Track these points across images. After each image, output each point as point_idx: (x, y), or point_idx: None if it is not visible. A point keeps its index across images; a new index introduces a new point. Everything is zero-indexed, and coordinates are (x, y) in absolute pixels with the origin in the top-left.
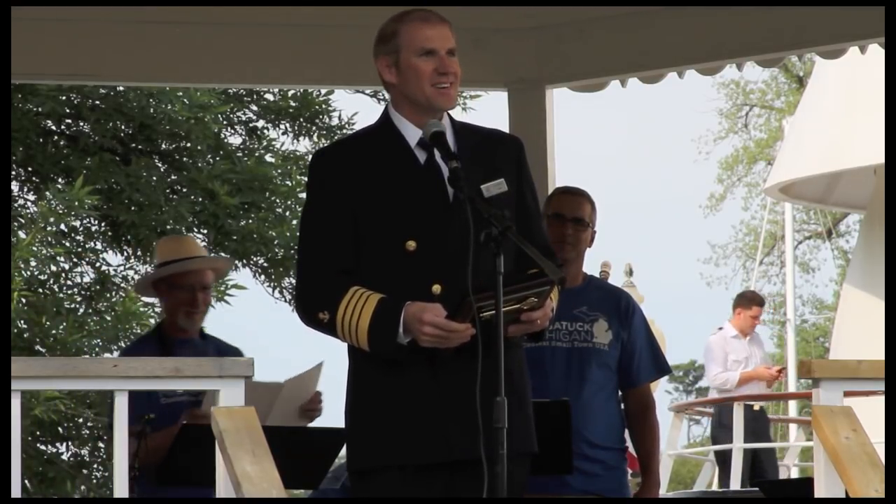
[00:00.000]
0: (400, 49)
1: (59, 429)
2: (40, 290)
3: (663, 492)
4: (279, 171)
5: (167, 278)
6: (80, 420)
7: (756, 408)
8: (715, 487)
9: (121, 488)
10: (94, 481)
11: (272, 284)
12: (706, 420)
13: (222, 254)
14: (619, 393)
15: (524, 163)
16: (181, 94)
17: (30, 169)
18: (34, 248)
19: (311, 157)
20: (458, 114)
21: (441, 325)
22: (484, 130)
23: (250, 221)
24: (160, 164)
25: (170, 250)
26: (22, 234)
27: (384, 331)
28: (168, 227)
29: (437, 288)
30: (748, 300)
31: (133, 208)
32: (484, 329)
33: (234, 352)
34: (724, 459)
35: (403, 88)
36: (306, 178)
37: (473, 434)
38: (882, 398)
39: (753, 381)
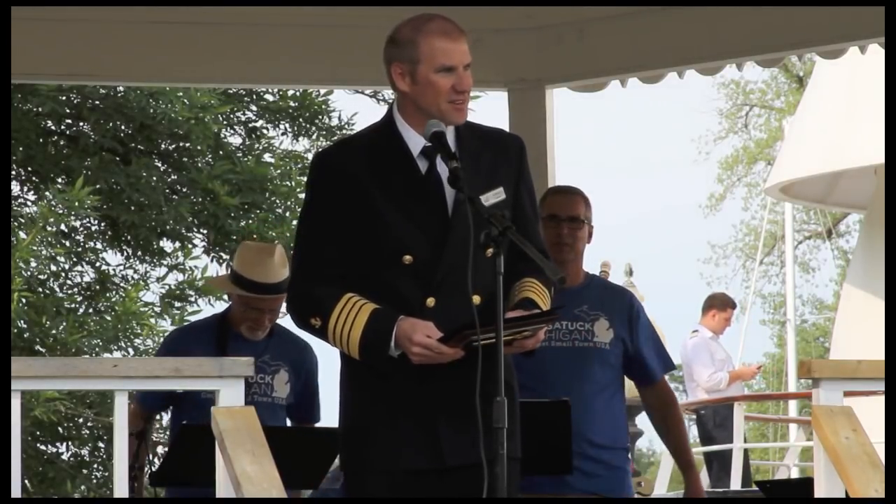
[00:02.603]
0: (419, 61)
1: (59, 429)
2: (40, 289)
3: (663, 492)
4: (279, 171)
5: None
6: (80, 420)
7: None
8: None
9: (121, 488)
10: (94, 481)
11: None
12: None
13: None
14: (624, 392)
15: (524, 164)
16: (181, 94)
17: (30, 169)
18: (34, 248)
19: (311, 156)
20: None
21: (431, 346)
22: (485, 130)
23: (250, 222)
24: (160, 165)
25: (250, 266)
26: (22, 235)
27: (375, 343)
28: (168, 227)
29: (431, 301)
30: (722, 302)
31: (133, 208)
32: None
33: (302, 344)
34: (722, 460)
35: (416, 99)
36: (306, 178)
37: (464, 440)
38: (882, 398)
39: (738, 381)
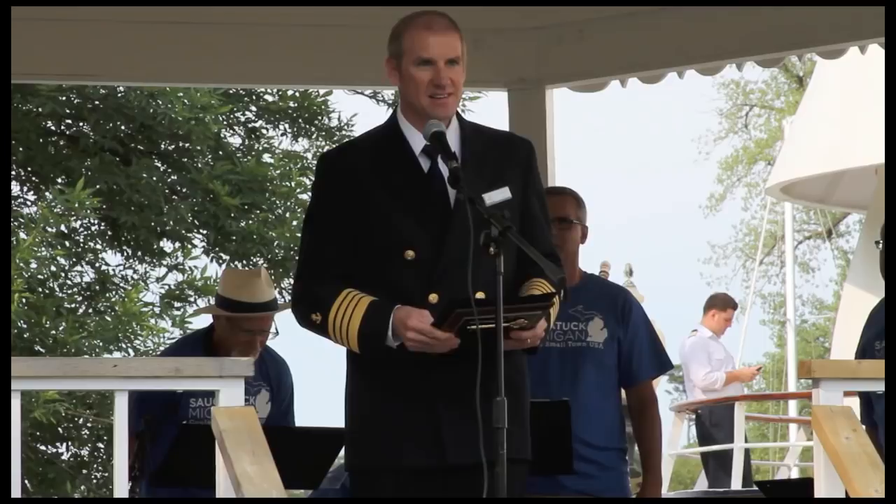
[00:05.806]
0: (402, 55)
1: (59, 429)
2: (40, 290)
3: (663, 491)
4: (279, 171)
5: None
6: (80, 420)
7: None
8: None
9: (121, 488)
10: (94, 481)
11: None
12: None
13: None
14: (622, 392)
15: (533, 168)
16: (181, 94)
17: (30, 169)
18: (34, 249)
19: (311, 157)
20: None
21: (425, 331)
22: (493, 133)
23: (250, 222)
24: (160, 165)
25: (237, 289)
26: (22, 235)
27: (373, 334)
28: (168, 227)
29: (433, 297)
30: (723, 302)
31: (133, 209)
32: (484, 333)
33: (280, 360)
34: (720, 460)
35: (404, 94)
36: (313, 177)
37: (468, 439)
38: None
39: (735, 382)
